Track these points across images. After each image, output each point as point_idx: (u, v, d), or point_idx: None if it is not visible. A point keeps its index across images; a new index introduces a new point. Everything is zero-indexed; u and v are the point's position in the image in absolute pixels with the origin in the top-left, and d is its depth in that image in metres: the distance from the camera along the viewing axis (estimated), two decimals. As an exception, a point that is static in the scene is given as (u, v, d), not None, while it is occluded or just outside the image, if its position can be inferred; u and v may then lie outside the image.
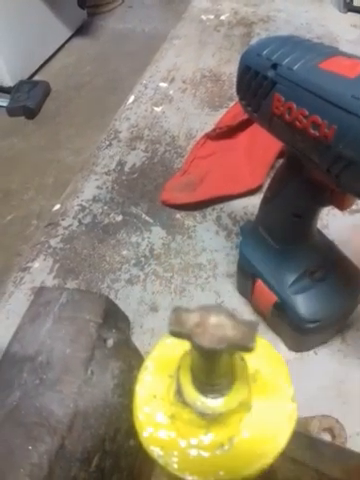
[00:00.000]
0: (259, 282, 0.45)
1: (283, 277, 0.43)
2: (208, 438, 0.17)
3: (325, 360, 0.46)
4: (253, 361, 0.17)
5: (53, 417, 0.24)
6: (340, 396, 0.43)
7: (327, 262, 0.43)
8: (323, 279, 0.42)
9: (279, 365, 0.17)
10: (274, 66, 0.35)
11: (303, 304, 0.42)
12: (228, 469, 0.16)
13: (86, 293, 0.30)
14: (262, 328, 0.47)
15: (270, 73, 0.35)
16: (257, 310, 0.49)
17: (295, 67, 0.33)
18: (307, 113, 0.32)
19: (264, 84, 0.35)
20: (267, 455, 0.16)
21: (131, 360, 0.29)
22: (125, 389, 0.27)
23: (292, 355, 0.46)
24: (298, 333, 0.44)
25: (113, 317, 0.30)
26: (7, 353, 0.27)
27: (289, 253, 0.43)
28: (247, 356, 0.16)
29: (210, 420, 0.16)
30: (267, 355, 0.17)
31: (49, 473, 0.23)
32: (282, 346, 0.47)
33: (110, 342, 0.28)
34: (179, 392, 0.17)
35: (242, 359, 0.17)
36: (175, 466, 0.16)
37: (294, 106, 0.33)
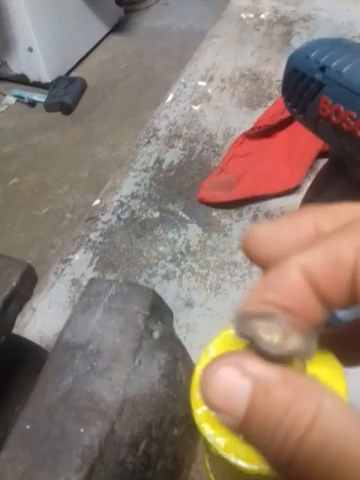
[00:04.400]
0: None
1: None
2: None
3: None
4: (312, 367, 0.18)
5: (104, 402, 0.26)
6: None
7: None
8: None
9: (336, 372, 0.18)
10: (322, 68, 0.35)
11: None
12: None
13: (134, 286, 0.31)
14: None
15: (318, 75, 0.35)
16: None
17: (344, 70, 0.33)
18: (355, 116, 0.32)
19: (311, 86, 0.36)
20: None
21: (176, 352, 0.30)
22: (170, 380, 0.28)
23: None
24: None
25: (159, 310, 0.31)
26: (60, 340, 0.28)
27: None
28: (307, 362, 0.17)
29: None
30: (325, 361, 0.18)
31: (99, 455, 0.24)
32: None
33: (156, 334, 0.29)
34: None
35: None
36: (221, 445, 0.17)
37: (342, 109, 0.33)
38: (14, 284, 0.31)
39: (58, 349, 0.28)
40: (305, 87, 0.36)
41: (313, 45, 0.37)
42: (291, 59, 0.38)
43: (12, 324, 0.32)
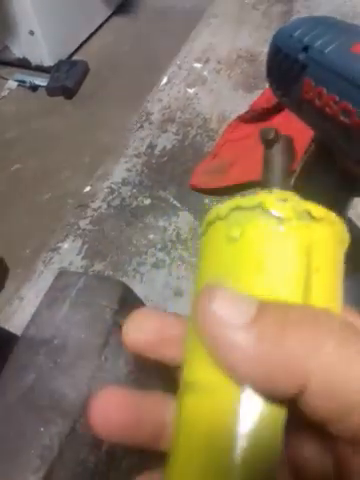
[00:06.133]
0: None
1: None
2: None
3: None
4: None
5: (66, 400, 0.25)
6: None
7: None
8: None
9: None
10: (305, 48, 0.33)
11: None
12: None
13: (103, 279, 0.30)
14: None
15: (301, 56, 0.33)
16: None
17: (327, 50, 0.31)
18: (337, 99, 0.30)
19: (295, 67, 0.34)
20: None
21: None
22: (138, 376, 0.28)
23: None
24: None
25: (130, 304, 0.30)
26: (24, 336, 0.28)
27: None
28: None
29: None
30: None
31: (59, 454, 0.24)
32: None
33: (125, 329, 0.28)
34: None
35: None
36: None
37: (324, 91, 0.31)
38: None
39: (21, 345, 0.27)
40: (289, 68, 0.34)
41: (297, 23, 0.35)
42: (275, 38, 0.36)
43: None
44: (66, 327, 0.27)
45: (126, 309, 0.29)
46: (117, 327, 0.28)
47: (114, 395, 0.16)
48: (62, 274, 0.30)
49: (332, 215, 0.17)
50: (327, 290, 0.15)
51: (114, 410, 0.16)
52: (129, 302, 0.30)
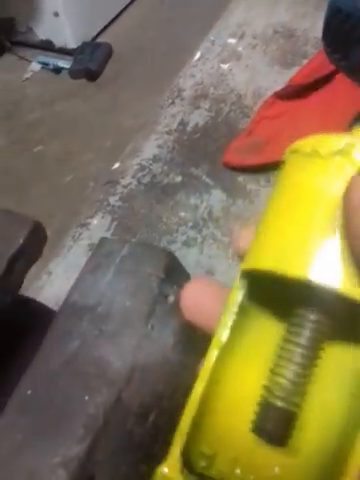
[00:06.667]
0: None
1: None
2: None
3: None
4: None
5: (111, 369, 0.24)
6: None
7: None
8: None
9: None
10: (369, 6, 0.31)
11: None
12: None
13: (148, 247, 0.28)
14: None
15: (364, 14, 0.31)
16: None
17: (395, 5, 0.29)
18: None
19: (358, 28, 0.31)
20: None
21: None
22: (185, 347, 0.26)
23: None
24: None
25: (175, 273, 0.28)
26: (66, 302, 0.26)
27: None
28: None
29: None
30: None
31: (104, 424, 0.22)
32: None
33: (171, 298, 0.27)
34: None
35: None
36: None
37: (390, 51, 0.29)
38: (21, 242, 0.29)
39: (64, 311, 0.26)
40: (350, 29, 0.32)
41: (359, -20, 0.32)
42: (333, -2, 0.33)
43: (19, 285, 0.30)
44: (111, 294, 0.26)
45: (172, 278, 0.28)
46: (163, 296, 0.27)
47: (206, 283, 0.19)
48: (105, 241, 0.29)
49: None
50: None
51: (205, 296, 0.18)
52: (175, 271, 0.28)
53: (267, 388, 0.17)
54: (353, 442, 0.15)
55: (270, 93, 0.66)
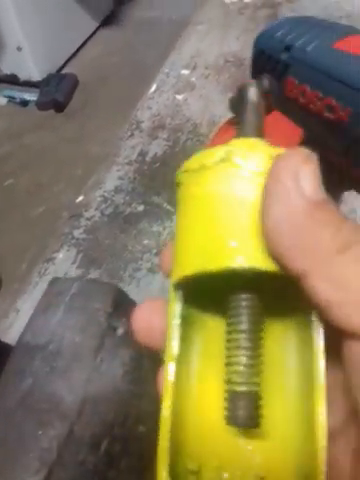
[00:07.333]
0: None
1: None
2: None
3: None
4: None
5: (63, 403, 0.25)
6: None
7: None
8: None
9: None
10: (287, 48, 0.34)
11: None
12: None
13: (96, 283, 0.30)
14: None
15: (283, 56, 0.34)
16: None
17: (308, 48, 0.32)
18: (321, 95, 0.31)
19: (278, 67, 0.34)
20: None
21: (141, 347, 0.29)
22: (134, 376, 0.28)
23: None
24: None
25: (123, 306, 0.30)
26: (20, 342, 0.28)
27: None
28: None
29: None
30: None
31: (58, 457, 0.24)
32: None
33: (120, 330, 0.28)
34: None
35: None
36: None
37: (308, 89, 0.32)
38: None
39: (18, 351, 0.27)
40: (272, 69, 0.35)
41: (279, 24, 0.35)
42: (257, 40, 0.37)
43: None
44: (61, 331, 0.28)
45: (120, 311, 0.29)
46: (112, 329, 0.28)
47: (157, 303, 0.19)
48: (56, 280, 0.31)
49: None
50: None
51: (156, 316, 0.18)
52: (123, 304, 0.30)
53: (228, 380, 0.18)
54: (314, 407, 0.16)
55: (224, 120, 0.69)
